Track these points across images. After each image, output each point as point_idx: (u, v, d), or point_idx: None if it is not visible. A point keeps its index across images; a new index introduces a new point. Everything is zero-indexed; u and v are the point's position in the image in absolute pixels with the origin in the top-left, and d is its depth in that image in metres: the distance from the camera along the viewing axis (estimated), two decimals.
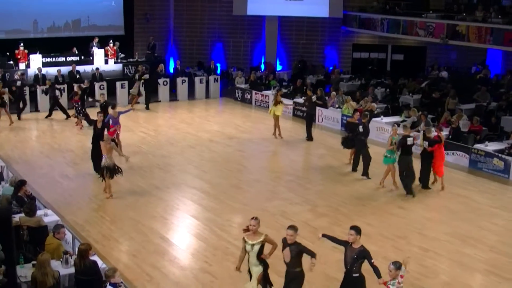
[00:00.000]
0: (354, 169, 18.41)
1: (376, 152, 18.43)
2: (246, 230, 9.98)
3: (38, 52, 27.05)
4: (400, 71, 30.33)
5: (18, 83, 24.62)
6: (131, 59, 29.74)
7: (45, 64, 26.81)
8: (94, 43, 28.87)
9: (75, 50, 28.27)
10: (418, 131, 18.84)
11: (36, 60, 26.68)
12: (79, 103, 22.84)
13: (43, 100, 24.78)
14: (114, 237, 13.62)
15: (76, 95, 22.85)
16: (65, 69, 26.66)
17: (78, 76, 26.49)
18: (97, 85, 26.10)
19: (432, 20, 27.63)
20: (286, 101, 23.97)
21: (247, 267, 10.20)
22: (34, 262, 10.21)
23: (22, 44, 26.70)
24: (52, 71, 26.46)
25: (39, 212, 12.56)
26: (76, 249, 10.62)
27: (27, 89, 24.65)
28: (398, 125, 18.36)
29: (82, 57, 28.28)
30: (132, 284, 11.49)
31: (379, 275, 9.42)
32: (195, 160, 19.40)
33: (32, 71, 26.36)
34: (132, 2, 31.56)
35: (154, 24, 32.34)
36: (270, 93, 26.44)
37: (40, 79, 25.33)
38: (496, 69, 29.14)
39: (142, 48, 31.56)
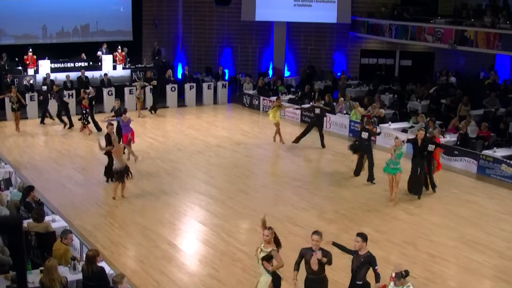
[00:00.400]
0: (357, 173, 18.40)
1: (382, 158, 18.43)
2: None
3: (47, 57, 27.17)
4: (408, 77, 30.26)
5: (44, 87, 24.81)
6: (139, 65, 29.81)
7: (53, 70, 26.92)
8: (102, 48, 28.96)
9: (83, 55, 28.37)
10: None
11: (45, 65, 26.79)
12: (87, 110, 22.94)
13: (52, 105, 24.82)
14: (122, 243, 13.64)
15: (83, 100, 22.93)
16: (73, 75, 26.77)
17: (86, 81, 26.58)
18: (105, 90, 26.25)
19: (440, 25, 27.56)
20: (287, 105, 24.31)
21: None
22: (41, 268, 10.22)
23: (31, 50, 26.84)
24: (61, 76, 26.54)
25: (47, 218, 12.59)
26: (84, 255, 10.64)
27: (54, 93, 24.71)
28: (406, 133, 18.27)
29: (91, 63, 28.37)
30: None
31: (378, 281, 9.46)
32: (203, 166, 19.42)
33: (40, 76, 26.47)
34: (140, 7, 31.65)
35: (163, 29, 32.42)
36: None
37: (48, 84, 25.42)
38: (504, 74, 29.06)
39: (151, 54, 31.65)
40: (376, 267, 9.52)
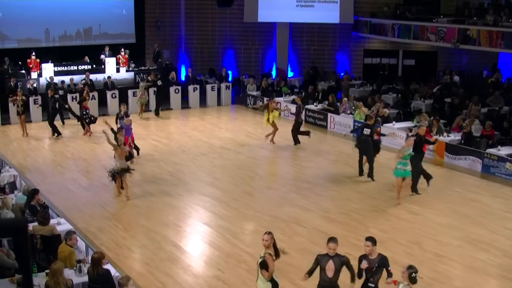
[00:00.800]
0: (361, 173, 18.41)
1: (388, 158, 18.44)
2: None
3: (50, 61, 27.23)
4: (411, 76, 30.26)
5: (61, 92, 24.88)
6: (142, 67, 29.83)
7: (57, 73, 26.98)
8: (105, 51, 29.00)
9: (86, 58, 28.41)
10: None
11: (48, 69, 26.84)
12: (88, 111, 22.98)
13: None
14: (127, 245, 13.66)
15: (85, 101, 22.95)
16: (77, 78, 26.80)
17: (90, 83, 26.60)
18: (109, 93, 26.28)
19: (443, 24, 27.57)
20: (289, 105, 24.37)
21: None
22: (47, 271, 10.25)
23: (34, 53, 26.88)
24: (65, 79, 26.65)
25: (52, 221, 12.62)
26: (90, 258, 10.66)
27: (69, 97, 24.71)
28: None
29: (94, 66, 28.40)
30: None
31: (390, 276, 9.44)
32: (207, 167, 19.43)
33: (43, 80, 26.54)
34: (143, 10, 31.69)
35: (165, 31, 32.47)
36: (282, 99, 26.41)
37: (53, 87, 25.45)
38: (507, 72, 29.03)
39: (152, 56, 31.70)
40: (389, 268, 9.48)
